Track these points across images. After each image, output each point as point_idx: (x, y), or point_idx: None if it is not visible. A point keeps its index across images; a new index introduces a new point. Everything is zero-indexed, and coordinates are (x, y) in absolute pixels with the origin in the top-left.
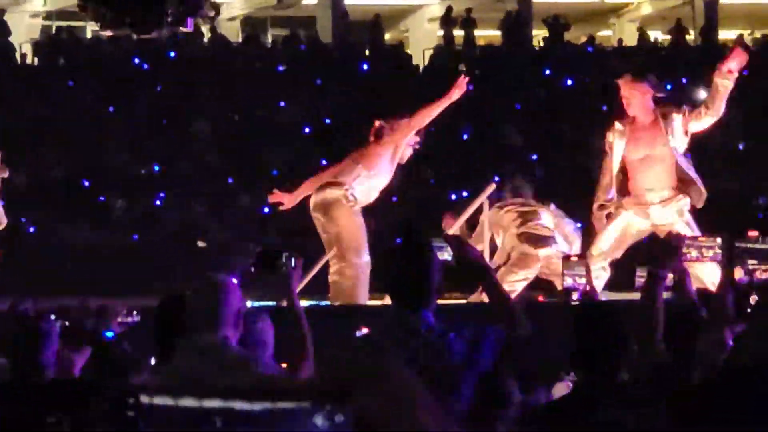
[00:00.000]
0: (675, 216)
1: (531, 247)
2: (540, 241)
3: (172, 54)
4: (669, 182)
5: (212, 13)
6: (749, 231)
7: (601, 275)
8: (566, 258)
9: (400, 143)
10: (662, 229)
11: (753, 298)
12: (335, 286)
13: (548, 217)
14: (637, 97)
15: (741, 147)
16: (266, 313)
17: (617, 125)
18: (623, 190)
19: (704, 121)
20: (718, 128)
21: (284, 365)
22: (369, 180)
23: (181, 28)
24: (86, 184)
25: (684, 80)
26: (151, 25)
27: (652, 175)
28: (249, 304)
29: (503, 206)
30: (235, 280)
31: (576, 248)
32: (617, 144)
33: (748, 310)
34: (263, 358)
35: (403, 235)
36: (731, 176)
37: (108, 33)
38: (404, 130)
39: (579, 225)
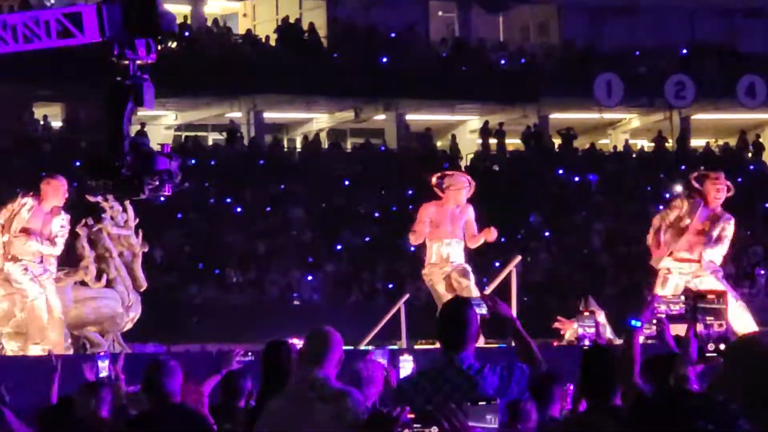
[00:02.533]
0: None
1: None
2: None
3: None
4: None
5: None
6: (708, 294)
7: None
8: (580, 312)
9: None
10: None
11: (710, 346)
12: None
13: None
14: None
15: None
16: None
17: None
18: None
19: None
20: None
21: None
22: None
23: (161, 193)
24: (208, 256)
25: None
26: (138, 192)
27: None
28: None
29: None
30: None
31: None
32: None
33: (707, 354)
34: (359, 395)
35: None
36: None
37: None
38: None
39: None
